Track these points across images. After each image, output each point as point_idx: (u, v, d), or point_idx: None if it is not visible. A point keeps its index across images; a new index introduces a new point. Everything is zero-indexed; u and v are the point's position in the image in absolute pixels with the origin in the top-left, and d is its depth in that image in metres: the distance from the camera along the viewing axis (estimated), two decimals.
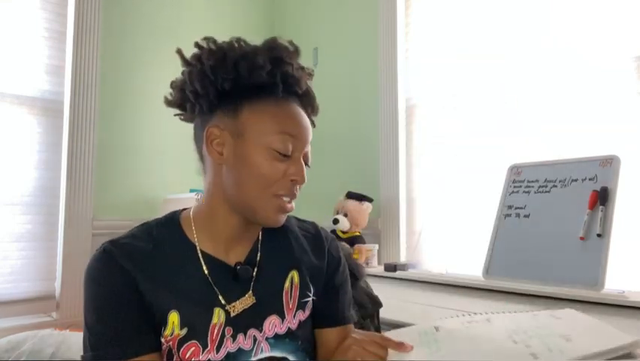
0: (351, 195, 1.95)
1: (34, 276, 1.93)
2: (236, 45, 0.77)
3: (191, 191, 2.01)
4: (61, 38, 2.04)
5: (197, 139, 0.82)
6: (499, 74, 1.71)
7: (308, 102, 0.84)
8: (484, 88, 1.75)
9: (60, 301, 1.95)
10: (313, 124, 0.86)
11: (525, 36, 1.64)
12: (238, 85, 0.76)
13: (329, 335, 0.87)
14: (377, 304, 1.18)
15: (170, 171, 2.27)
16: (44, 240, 1.97)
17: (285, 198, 0.78)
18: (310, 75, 0.83)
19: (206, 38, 0.78)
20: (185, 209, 0.85)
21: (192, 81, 0.76)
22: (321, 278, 0.87)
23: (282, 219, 0.80)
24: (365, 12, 2.23)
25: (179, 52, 0.80)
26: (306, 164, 0.81)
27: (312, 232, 0.91)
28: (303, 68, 0.81)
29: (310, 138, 0.81)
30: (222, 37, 0.82)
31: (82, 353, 0.73)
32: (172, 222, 0.81)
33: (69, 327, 1.57)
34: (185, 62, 0.79)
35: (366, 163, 2.15)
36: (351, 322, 0.91)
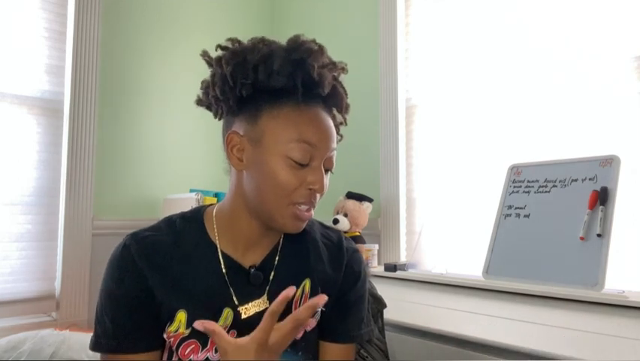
0: (351, 195, 1.95)
1: (34, 276, 1.93)
2: (258, 46, 0.74)
3: (191, 191, 2.01)
4: (61, 38, 2.03)
5: (223, 140, 0.80)
6: (499, 73, 1.71)
7: (334, 102, 0.80)
8: (485, 88, 1.75)
9: (60, 301, 1.94)
10: (345, 122, 0.83)
11: (525, 36, 1.64)
12: (258, 89, 0.74)
13: (330, 350, 0.84)
14: (381, 304, 1.17)
15: (170, 171, 2.27)
16: (44, 240, 1.96)
17: (302, 207, 0.75)
18: (343, 69, 0.79)
19: (230, 39, 0.76)
20: (210, 205, 0.84)
21: (214, 85, 0.75)
22: (334, 290, 0.84)
23: (301, 225, 0.78)
24: (365, 12, 2.23)
25: (205, 54, 0.78)
26: (329, 170, 0.78)
27: (334, 241, 0.87)
28: (328, 67, 0.76)
29: (333, 144, 0.77)
30: (221, 36, 0.81)
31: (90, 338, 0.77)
32: (196, 218, 0.81)
33: (69, 327, 1.57)
34: (209, 64, 0.77)
35: (366, 163, 2.15)
36: (356, 341, 0.87)
